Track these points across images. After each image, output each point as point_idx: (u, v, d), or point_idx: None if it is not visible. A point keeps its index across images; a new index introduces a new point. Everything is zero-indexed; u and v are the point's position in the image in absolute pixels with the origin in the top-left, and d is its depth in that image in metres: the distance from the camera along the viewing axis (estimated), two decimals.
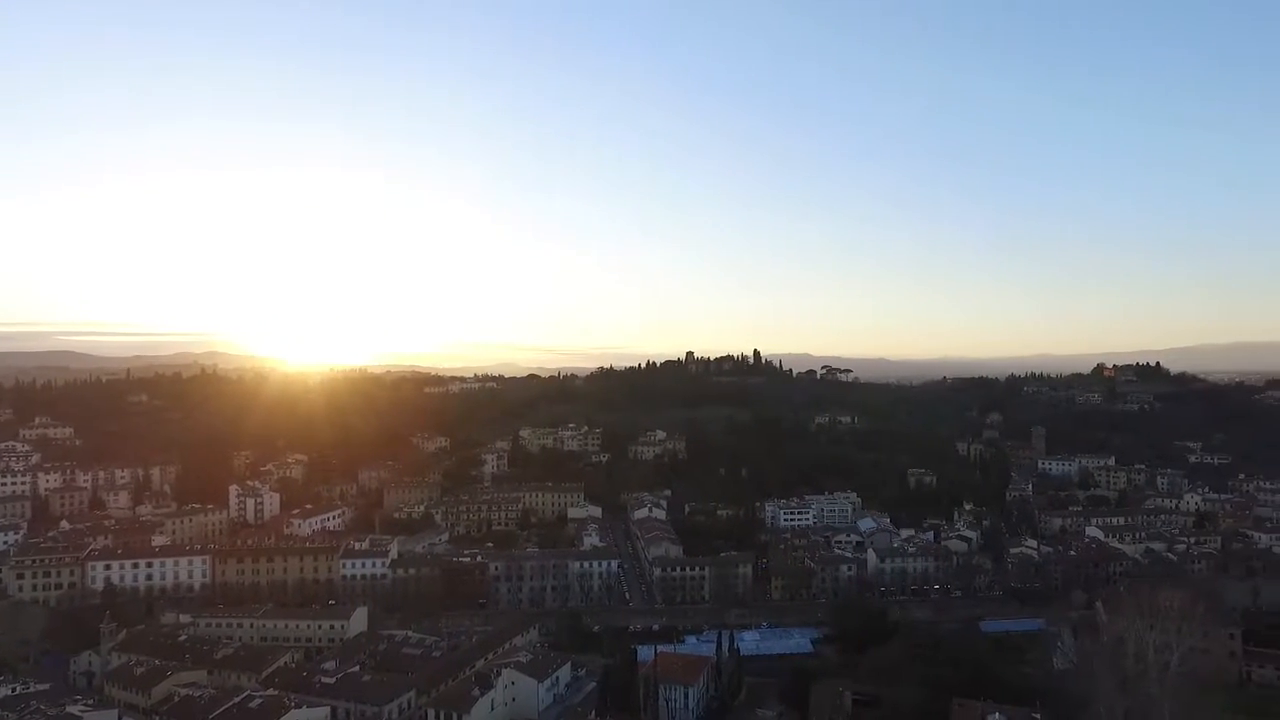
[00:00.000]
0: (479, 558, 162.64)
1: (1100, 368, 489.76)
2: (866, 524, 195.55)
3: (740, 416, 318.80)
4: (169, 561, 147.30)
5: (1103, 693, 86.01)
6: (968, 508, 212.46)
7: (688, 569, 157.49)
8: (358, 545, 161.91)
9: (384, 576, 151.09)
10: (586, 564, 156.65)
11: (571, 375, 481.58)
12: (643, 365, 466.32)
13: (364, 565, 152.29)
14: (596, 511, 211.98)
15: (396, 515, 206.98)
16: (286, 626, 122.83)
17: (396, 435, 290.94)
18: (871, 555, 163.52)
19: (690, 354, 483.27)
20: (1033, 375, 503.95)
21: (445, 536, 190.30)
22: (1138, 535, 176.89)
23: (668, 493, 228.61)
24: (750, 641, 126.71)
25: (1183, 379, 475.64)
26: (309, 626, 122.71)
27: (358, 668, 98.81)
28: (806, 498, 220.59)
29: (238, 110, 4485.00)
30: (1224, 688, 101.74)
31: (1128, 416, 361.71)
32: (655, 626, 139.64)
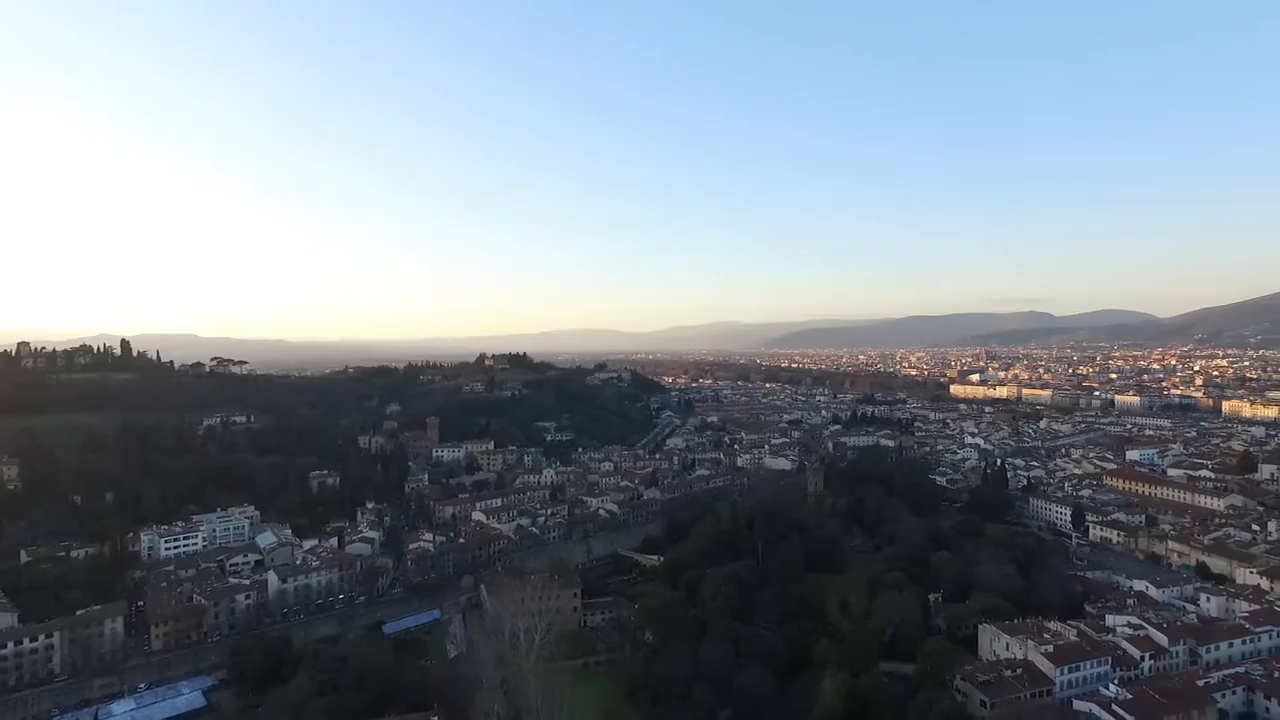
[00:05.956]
0: None
1: (482, 357, 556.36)
2: (266, 539, 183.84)
3: (104, 425, 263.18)
4: None
5: (486, 674, 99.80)
6: (370, 506, 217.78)
7: (25, 641, 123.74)
8: None
9: None
10: None
11: None
12: None
13: None
14: None
15: None
16: None
17: None
18: (272, 577, 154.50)
19: (24, 344, 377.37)
20: (428, 364, 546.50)
21: None
22: (511, 514, 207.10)
23: None
24: (122, 716, 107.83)
25: (541, 366, 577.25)
26: None
27: None
28: (195, 519, 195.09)
29: None
30: (570, 637, 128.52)
31: (503, 402, 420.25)
32: None
